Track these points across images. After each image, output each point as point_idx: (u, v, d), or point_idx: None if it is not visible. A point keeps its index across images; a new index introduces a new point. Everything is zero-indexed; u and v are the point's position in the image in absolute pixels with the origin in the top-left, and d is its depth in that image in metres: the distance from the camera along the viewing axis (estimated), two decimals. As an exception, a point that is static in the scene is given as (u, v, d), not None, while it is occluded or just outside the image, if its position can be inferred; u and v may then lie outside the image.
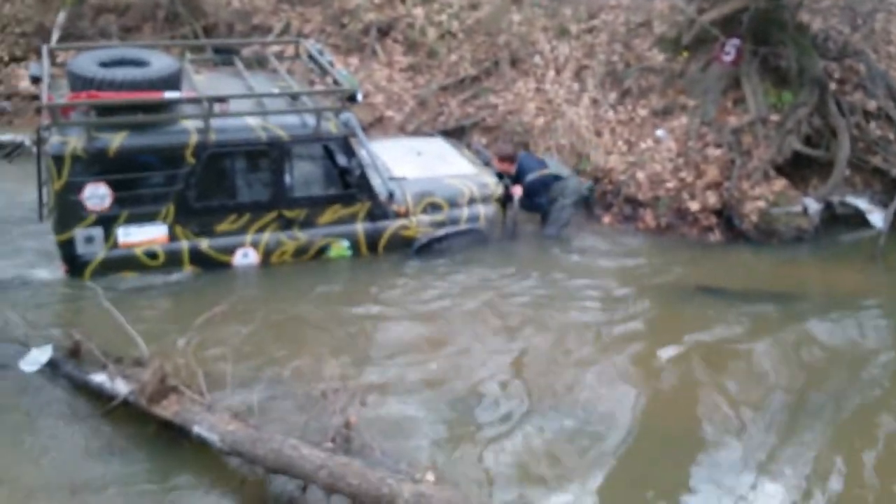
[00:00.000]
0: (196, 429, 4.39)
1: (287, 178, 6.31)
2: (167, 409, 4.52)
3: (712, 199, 7.82)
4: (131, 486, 4.30)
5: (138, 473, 4.41)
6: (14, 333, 5.37)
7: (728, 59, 8.40)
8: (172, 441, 4.55)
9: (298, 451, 4.08)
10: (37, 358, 5.09)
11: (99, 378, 4.84)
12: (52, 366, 5.08)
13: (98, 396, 4.82)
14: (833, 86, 8.50)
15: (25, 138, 7.95)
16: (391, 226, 6.71)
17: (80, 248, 5.97)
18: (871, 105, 8.60)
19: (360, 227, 6.63)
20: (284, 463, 4.08)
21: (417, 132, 8.64)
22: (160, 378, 4.53)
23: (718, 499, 4.59)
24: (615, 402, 5.28)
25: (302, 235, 6.48)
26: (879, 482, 4.83)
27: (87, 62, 6.01)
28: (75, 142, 5.76)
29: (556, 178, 7.26)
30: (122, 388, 4.71)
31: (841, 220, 8.16)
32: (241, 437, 4.25)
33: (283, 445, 4.12)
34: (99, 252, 6.01)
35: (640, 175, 8.00)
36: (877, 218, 8.14)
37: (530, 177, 7.17)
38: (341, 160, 6.54)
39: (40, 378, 5.03)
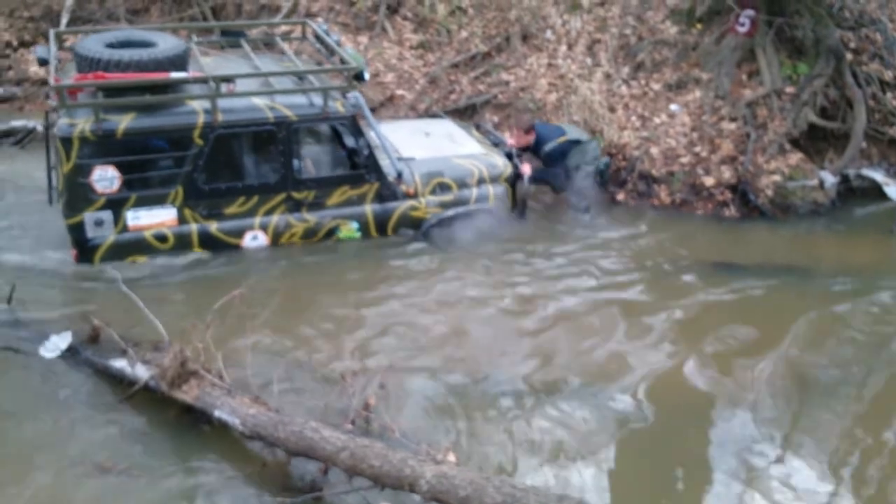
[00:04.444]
0: (217, 413, 4.41)
1: (295, 160, 6.28)
2: (188, 394, 4.54)
3: (727, 173, 7.75)
4: (155, 470, 4.32)
5: (161, 457, 4.43)
6: (32, 320, 5.41)
7: (742, 30, 8.28)
8: (193, 425, 4.58)
9: (319, 434, 4.08)
10: (56, 344, 5.13)
11: (119, 363, 4.87)
12: (71, 352, 5.11)
13: (119, 382, 4.85)
14: (849, 56, 8.37)
15: (37, 124, 7.93)
16: (400, 206, 6.68)
17: (90, 232, 5.97)
18: (888, 75, 8.49)
19: (368, 209, 6.60)
20: (306, 445, 4.09)
21: (428, 111, 8.58)
22: (181, 362, 4.53)
23: (735, 473, 4.58)
24: (631, 378, 5.28)
25: (311, 217, 6.46)
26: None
27: (93, 44, 5.98)
28: (83, 124, 5.73)
29: (576, 142, 7.22)
30: (142, 372, 4.74)
31: (857, 192, 8.06)
32: (262, 421, 4.26)
33: (304, 428, 4.12)
34: (109, 235, 6.01)
35: (654, 150, 7.93)
36: (893, 190, 8.05)
37: (549, 146, 7.13)
38: (349, 141, 6.50)
39: (60, 364, 5.06)
